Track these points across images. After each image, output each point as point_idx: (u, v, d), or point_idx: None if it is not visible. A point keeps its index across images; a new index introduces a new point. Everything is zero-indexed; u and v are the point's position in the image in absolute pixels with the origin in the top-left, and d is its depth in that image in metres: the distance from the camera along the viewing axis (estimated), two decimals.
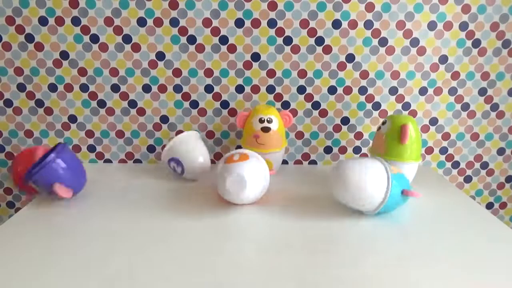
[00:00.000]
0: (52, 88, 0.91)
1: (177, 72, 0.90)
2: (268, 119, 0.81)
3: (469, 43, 0.89)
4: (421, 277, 0.51)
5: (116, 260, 0.54)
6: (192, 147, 0.80)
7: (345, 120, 0.95)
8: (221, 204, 0.73)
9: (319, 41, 0.88)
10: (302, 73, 0.91)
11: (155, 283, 0.49)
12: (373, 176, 0.63)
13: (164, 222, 0.65)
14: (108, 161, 0.97)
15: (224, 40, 0.88)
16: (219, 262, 0.54)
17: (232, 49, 0.89)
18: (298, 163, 0.99)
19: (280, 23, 0.87)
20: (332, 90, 0.93)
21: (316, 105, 0.94)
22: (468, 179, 1.02)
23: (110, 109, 0.93)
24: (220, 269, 0.52)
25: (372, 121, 0.95)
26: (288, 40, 0.88)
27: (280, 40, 0.88)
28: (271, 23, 0.87)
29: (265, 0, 0.85)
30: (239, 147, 0.97)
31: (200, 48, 0.89)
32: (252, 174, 0.67)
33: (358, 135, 0.97)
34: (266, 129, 0.81)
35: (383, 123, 0.79)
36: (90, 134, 0.95)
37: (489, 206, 1.04)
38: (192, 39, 0.88)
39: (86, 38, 0.87)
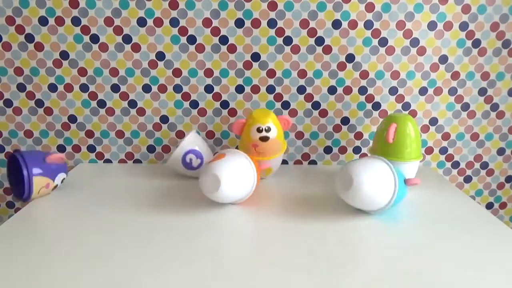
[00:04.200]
0: (52, 88, 0.90)
1: (177, 72, 0.90)
2: (266, 128, 0.79)
3: (469, 43, 0.89)
4: (421, 277, 0.51)
5: (115, 260, 0.54)
6: (206, 146, 0.85)
7: (345, 120, 0.95)
8: (221, 205, 0.73)
9: (319, 41, 0.88)
10: (302, 73, 0.91)
11: (155, 283, 0.49)
12: (381, 178, 0.63)
13: (164, 222, 0.65)
14: (108, 161, 0.97)
15: (224, 40, 0.88)
16: (216, 261, 0.54)
17: (232, 49, 0.89)
18: (298, 163, 0.99)
19: (280, 23, 0.87)
20: (332, 90, 0.93)
21: (316, 105, 0.94)
22: (468, 179, 1.02)
23: (110, 109, 0.93)
24: (217, 267, 0.52)
25: (372, 121, 0.95)
26: (288, 40, 0.88)
27: (280, 40, 0.88)
28: (271, 23, 0.87)
29: (265, 0, 0.85)
30: None
31: (200, 48, 0.88)
32: (226, 172, 0.66)
33: (358, 135, 0.97)
34: (264, 139, 0.79)
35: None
36: (90, 134, 0.95)
37: (489, 206, 1.04)
38: (192, 39, 0.88)
39: (86, 38, 0.87)
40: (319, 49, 0.89)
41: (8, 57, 0.88)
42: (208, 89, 0.92)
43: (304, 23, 0.87)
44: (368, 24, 0.87)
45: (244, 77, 0.91)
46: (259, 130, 0.79)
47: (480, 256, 0.56)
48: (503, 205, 1.05)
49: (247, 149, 0.81)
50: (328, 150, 0.98)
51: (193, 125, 0.94)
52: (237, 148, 0.97)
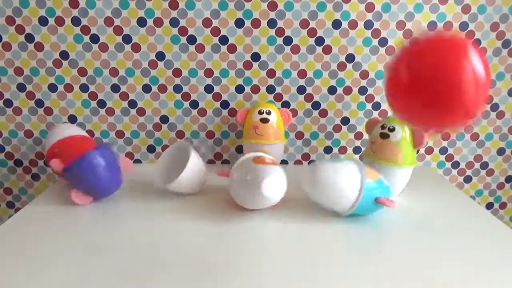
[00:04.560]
0: (52, 88, 0.90)
1: (177, 72, 0.90)
2: (267, 111, 0.84)
3: None
4: (421, 277, 0.51)
5: (115, 260, 0.54)
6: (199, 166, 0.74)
7: (345, 120, 0.95)
8: (223, 205, 0.73)
9: (319, 41, 0.88)
10: (302, 73, 0.91)
11: (154, 284, 0.49)
12: (345, 176, 0.62)
13: (163, 222, 0.65)
14: None
15: (224, 40, 0.88)
16: (223, 261, 0.54)
17: (232, 49, 0.89)
18: (298, 163, 0.99)
19: (280, 23, 0.87)
20: (332, 90, 0.93)
21: (316, 105, 0.94)
22: (468, 179, 1.02)
23: (110, 109, 0.93)
24: (223, 269, 0.52)
25: None
26: (288, 40, 0.88)
27: (280, 40, 0.88)
28: (271, 23, 0.87)
29: (265, 0, 0.85)
30: (239, 147, 0.97)
31: (200, 48, 0.89)
32: (284, 179, 0.65)
33: (358, 135, 0.97)
34: (264, 120, 0.84)
35: (390, 129, 0.73)
36: (90, 134, 0.95)
37: (489, 206, 1.04)
38: (192, 39, 0.88)
39: (86, 38, 0.87)
40: (319, 49, 0.89)
41: (8, 57, 0.88)
42: (208, 89, 0.92)
43: (304, 23, 0.87)
44: (368, 24, 0.87)
45: (244, 77, 0.91)
46: (260, 112, 0.84)
47: (480, 256, 0.56)
48: (503, 205, 1.05)
49: (248, 135, 0.85)
50: (328, 150, 0.98)
51: (193, 125, 0.94)
52: (240, 148, 0.97)
